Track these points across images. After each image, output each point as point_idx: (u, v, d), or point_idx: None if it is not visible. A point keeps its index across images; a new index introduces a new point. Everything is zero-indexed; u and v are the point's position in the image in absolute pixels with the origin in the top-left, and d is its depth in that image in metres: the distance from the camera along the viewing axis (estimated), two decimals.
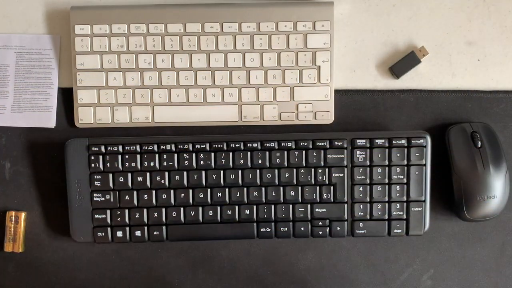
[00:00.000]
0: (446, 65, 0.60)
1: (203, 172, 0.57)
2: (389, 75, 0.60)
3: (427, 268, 0.60)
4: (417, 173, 0.56)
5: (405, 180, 0.57)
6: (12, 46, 0.59)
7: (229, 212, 0.57)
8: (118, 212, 0.57)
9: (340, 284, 0.60)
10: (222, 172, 0.57)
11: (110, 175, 0.57)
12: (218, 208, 0.57)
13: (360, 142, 0.57)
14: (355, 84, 0.60)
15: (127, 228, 0.57)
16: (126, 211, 0.57)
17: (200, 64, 0.58)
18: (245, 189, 0.57)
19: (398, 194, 0.57)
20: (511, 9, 0.60)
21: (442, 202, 0.60)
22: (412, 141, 0.56)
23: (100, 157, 0.57)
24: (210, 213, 0.57)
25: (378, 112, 0.60)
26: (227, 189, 0.57)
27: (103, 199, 0.57)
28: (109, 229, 0.57)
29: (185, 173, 0.57)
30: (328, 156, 0.57)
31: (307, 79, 0.58)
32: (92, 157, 0.57)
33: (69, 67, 0.59)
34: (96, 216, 0.57)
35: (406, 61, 0.59)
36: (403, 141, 0.56)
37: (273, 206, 0.57)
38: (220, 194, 0.57)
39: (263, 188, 0.57)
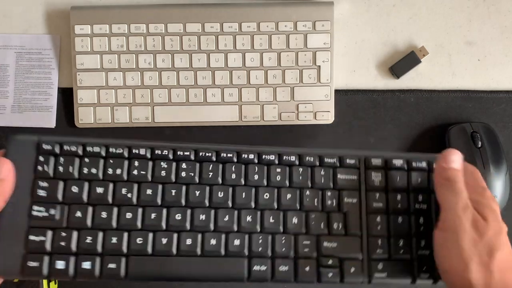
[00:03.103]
0: (446, 65, 0.60)
1: (184, 187, 0.43)
2: (389, 75, 0.60)
3: None
4: None
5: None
6: (12, 46, 0.59)
7: (213, 241, 0.42)
8: (63, 234, 0.41)
9: None
10: (208, 188, 0.43)
11: (61, 183, 0.42)
12: (199, 235, 0.42)
13: (376, 161, 0.45)
14: (355, 84, 0.60)
15: (72, 258, 0.41)
16: (75, 233, 0.41)
17: (200, 64, 0.58)
18: (236, 212, 0.43)
19: (423, 228, 0.43)
20: (511, 9, 0.60)
21: None
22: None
23: (52, 158, 0.42)
24: (188, 241, 0.42)
25: (378, 112, 0.60)
26: (212, 211, 0.43)
27: (46, 214, 0.41)
28: (45, 257, 0.41)
29: (160, 186, 0.43)
30: (339, 176, 0.45)
31: (307, 79, 0.58)
32: (41, 158, 0.42)
33: (69, 67, 0.59)
34: (32, 237, 0.41)
35: (406, 61, 0.59)
36: (423, 164, 0.45)
37: (270, 237, 0.43)
38: (204, 217, 0.42)
39: (259, 212, 0.43)
